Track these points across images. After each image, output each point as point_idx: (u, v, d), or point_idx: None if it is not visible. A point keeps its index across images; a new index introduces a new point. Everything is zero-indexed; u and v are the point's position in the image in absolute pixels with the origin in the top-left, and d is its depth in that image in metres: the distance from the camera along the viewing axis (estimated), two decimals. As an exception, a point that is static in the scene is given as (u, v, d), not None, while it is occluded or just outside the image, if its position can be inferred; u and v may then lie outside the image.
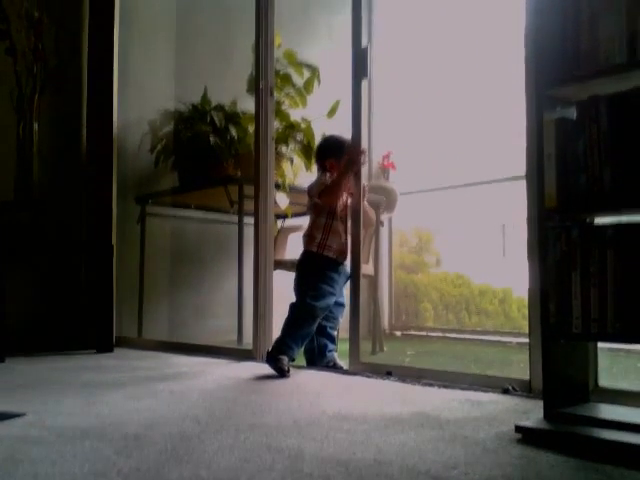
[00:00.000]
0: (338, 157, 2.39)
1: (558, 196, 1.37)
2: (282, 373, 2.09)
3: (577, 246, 1.34)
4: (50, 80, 2.69)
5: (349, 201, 2.41)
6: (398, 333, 4.29)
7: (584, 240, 1.34)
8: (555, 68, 1.39)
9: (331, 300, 2.31)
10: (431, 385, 1.94)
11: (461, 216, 4.26)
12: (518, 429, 1.32)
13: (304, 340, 2.27)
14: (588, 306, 1.31)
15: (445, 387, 1.90)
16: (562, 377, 1.42)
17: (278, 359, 2.13)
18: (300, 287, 2.36)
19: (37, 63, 2.59)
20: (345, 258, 2.37)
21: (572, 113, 1.40)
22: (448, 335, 4.08)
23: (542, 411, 1.38)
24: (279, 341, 2.21)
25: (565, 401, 1.40)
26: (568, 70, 1.37)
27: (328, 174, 2.41)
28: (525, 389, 1.77)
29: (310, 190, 2.44)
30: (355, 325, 2.16)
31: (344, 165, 2.30)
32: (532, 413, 1.50)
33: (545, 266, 1.38)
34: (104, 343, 2.87)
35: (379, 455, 1.18)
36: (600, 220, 1.43)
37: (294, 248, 3.50)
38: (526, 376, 1.79)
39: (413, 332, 4.25)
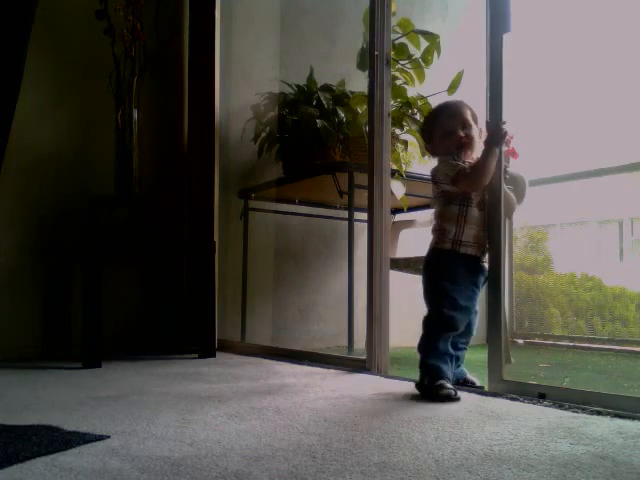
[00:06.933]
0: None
1: None
2: (450, 398, 1.71)
3: None
4: (149, 63, 2.52)
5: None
6: (520, 341, 3.88)
7: None
8: None
9: (473, 308, 1.88)
10: (599, 413, 1.53)
11: (569, 211, 3.78)
12: None
13: (447, 355, 1.85)
14: None
15: (619, 416, 1.49)
16: None
17: (436, 387, 1.73)
18: (432, 294, 1.91)
19: (136, 44, 2.42)
20: (485, 253, 1.91)
21: None
22: (578, 344, 3.61)
23: None
24: (422, 367, 1.82)
25: None
26: None
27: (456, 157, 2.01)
28: None
29: (435, 175, 1.97)
30: (496, 334, 1.76)
31: (485, 143, 1.87)
32: None
33: None
34: (206, 348, 2.69)
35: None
36: None
37: (404, 246, 3.21)
38: None
39: (537, 340, 3.78)
